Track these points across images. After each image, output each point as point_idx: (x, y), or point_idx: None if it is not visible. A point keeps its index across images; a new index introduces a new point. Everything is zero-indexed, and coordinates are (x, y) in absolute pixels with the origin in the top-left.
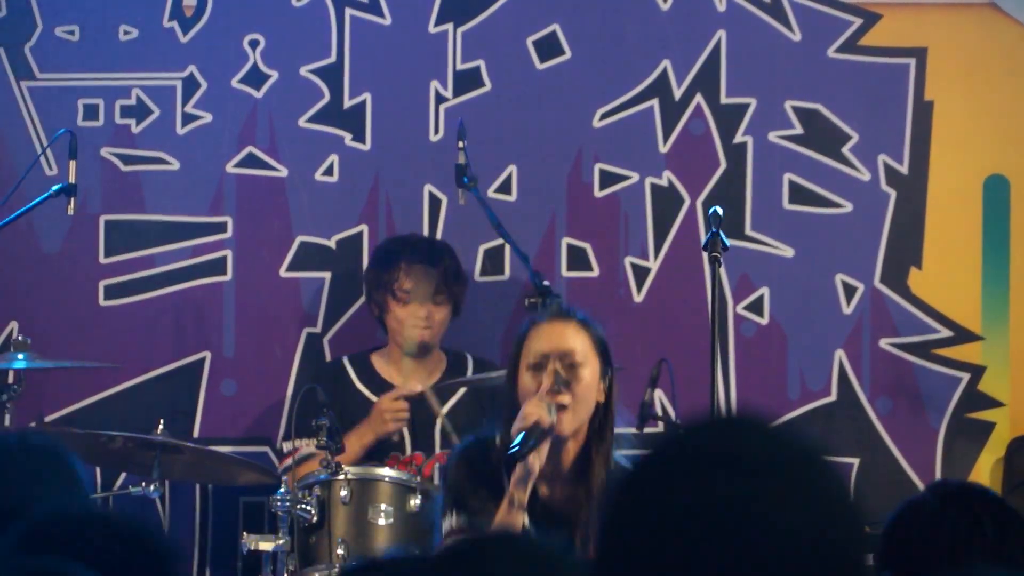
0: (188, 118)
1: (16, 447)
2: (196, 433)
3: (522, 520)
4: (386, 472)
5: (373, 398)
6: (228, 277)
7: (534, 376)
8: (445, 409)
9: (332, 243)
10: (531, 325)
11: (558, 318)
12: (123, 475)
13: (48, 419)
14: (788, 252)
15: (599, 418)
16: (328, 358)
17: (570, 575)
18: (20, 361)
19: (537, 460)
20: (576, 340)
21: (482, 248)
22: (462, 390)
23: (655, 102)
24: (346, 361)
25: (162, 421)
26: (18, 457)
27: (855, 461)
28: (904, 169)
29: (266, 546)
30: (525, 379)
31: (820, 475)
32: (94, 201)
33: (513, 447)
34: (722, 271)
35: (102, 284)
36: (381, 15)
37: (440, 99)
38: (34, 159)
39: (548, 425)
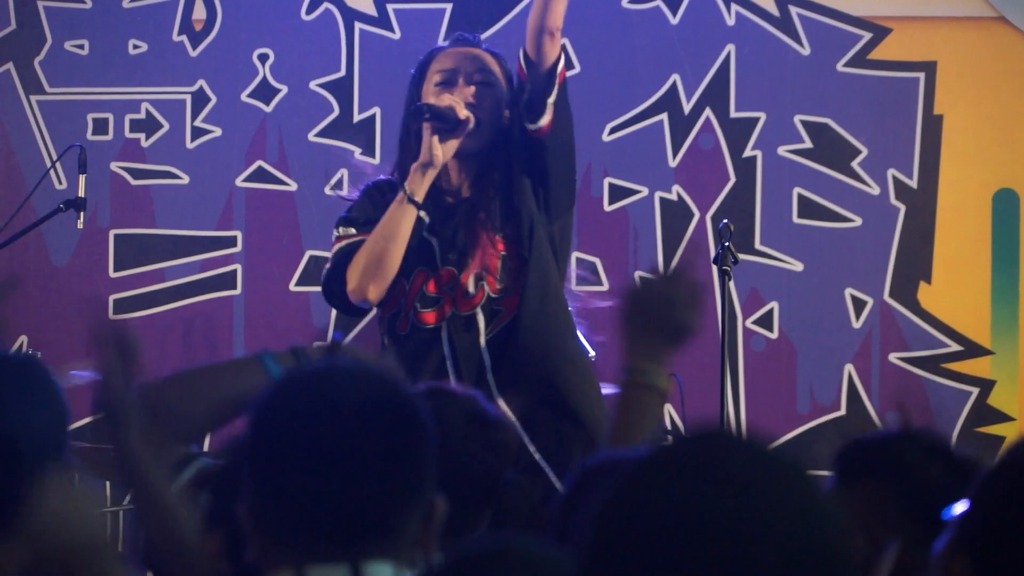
0: (198, 132)
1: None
2: (207, 446)
3: (413, 215)
4: None
5: None
6: (238, 291)
7: (439, 91)
8: None
9: None
10: (434, 51)
11: (463, 43)
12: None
13: None
14: (797, 266)
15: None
16: None
17: None
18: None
19: (441, 152)
20: (486, 60)
21: None
22: None
23: (664, 116)
24: None
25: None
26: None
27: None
28: (913, 183)
29: None
30: (429, 96)
31: (805, 489)
32: (104, 215)
33: (422, 104)
34: (732, 285)
35: (112, 298)
36: (390, 29)
37: None
38: (44, 173)
39: (463, 117)
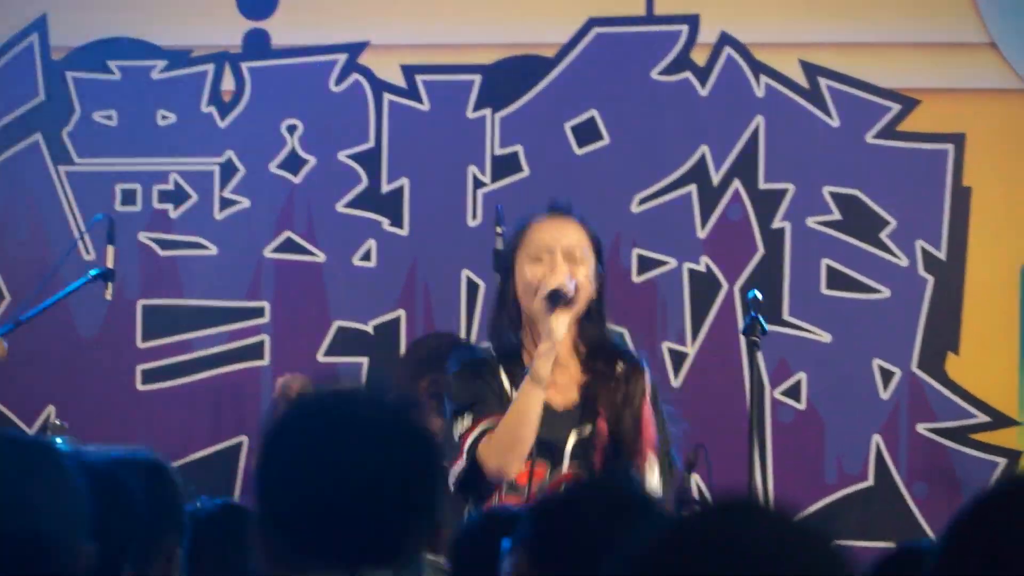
0: (226, 203)
1: (5, 442)
2: None
3: (541, 398)
4: None
5: None
6: (266, 362)
7: (535, 268)
8: None
9: (370, 328)
10: (531, 219)
11: (559, 214)
12: None
13: None
14: (826, 337)
15: (591, 317)
16: None
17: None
18: (57, 446)
19: (562, 328)
20: (577, 235)
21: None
22: None
23: (693, 188)
24: None
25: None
26: (6, 450)
27: (892, 546)
28: (942, 255)
29: None
30: (526, 271)
31: (829, 561)
32: (132, 286)
33: (553, 294)
34: (760, 356)
35: (139, 368)
36: (419, 100)
37: (478, 184)
38: (72, 244)
39: (570, 294)
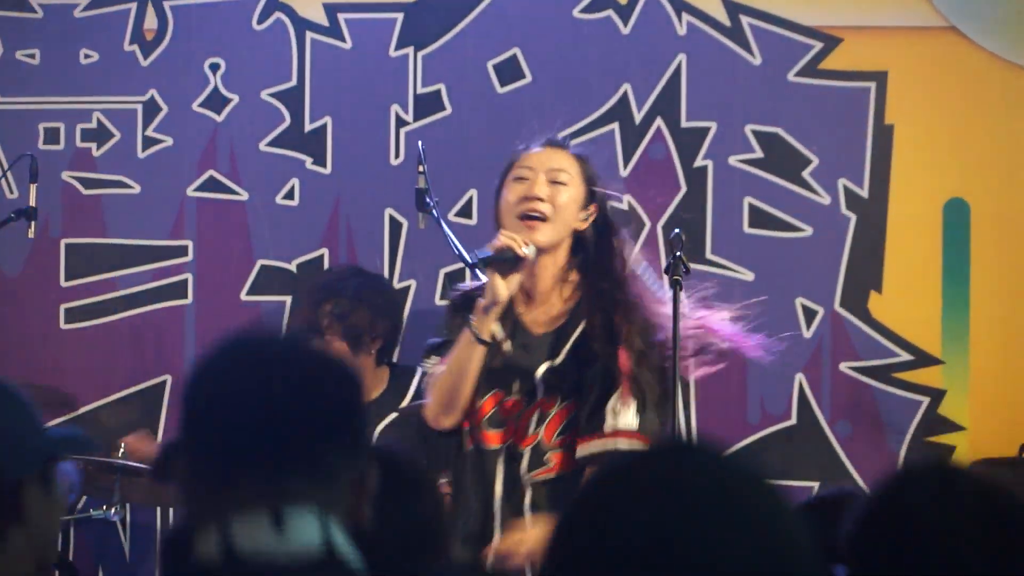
0: (149, 142)
1: None
2: None
3: (480, 354)
4: None
5: None
6: (189, 300)
7: (516, 186)
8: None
9: (293, 267)
10: (523, 150)
11: (551, 144)
12: (84, 498)
13: None
14: (748, 276)
15: (583, 251)
16: None
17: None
18: None
19: (504, 289)
20: (565, 162)
21: (443, 272)
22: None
23: (615, 126)
24: None
25: (123, 444)
26: None
27: (815, 485)
28: (864, 193)
29: None
30: (508, 191)
31: (768, 503)
32: (55, 224)
33: (476, 253)
34: (683, 295)
35: (63, 307)
36: (342, 39)
37: (401, 123)
38: None
39: (520, 255)
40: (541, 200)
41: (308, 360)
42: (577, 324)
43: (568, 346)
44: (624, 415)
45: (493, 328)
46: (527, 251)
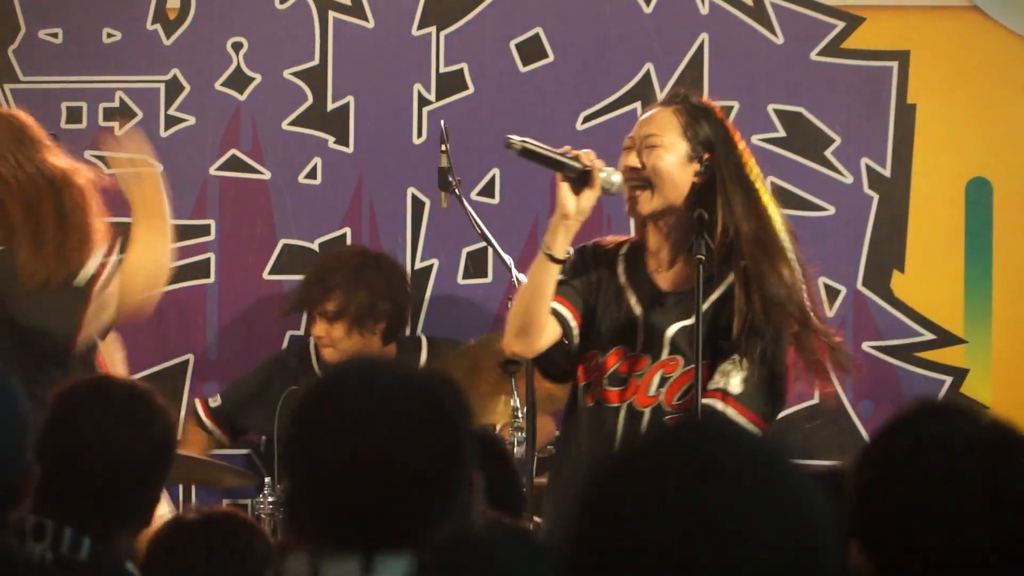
0: (171, 121)
1: None
2: (180, 435)
3: (554, 272)
4: None
5: None
6: (211, 280)
7: (621, 157)
8: None
9: (315, 246)
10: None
11: (658, 104)
12: None
13: None
14: None
15: (701, 204)
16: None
17: None
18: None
19: (572, 203)
20: (663, 122)
21: (465, 251)
22: None
23: (638, 105)
24: (311, 342)
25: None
26: None
27: (837, 464)
28: (887, 172)
29: None
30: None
31: (792, 484)
32: None
33: (510, 137)
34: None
35: None
36: (364, 18)
37: (423, 102)
38: None
39: (585, 167)
40: (637, 169)
41: (413, 404)
42: (719, 284)
43: (707, 306)
44: (732, 380)
45: (566, 246)
46: (603, 175)
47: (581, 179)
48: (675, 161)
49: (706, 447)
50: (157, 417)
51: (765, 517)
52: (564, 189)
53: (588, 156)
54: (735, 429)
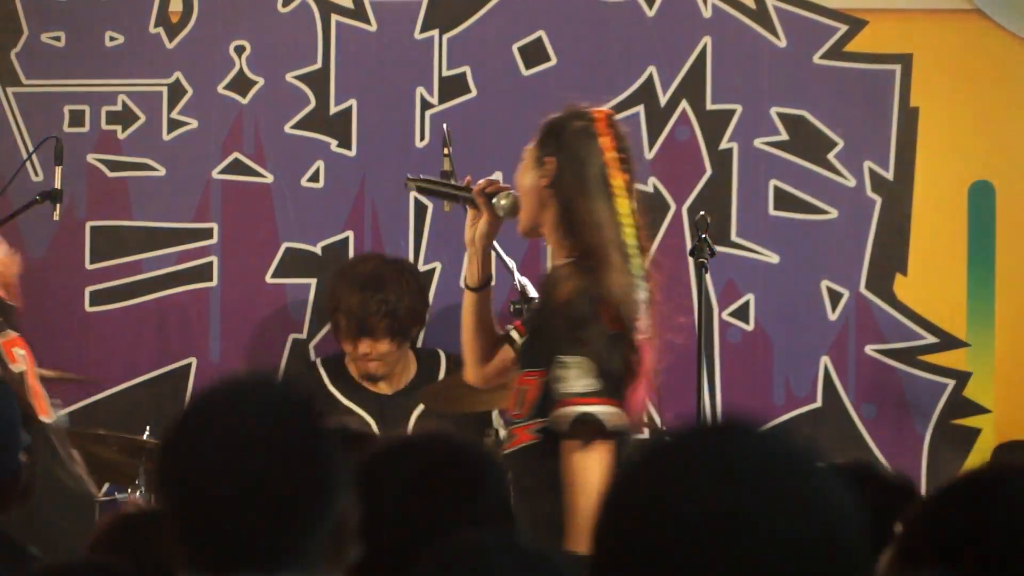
0: (174, 124)
1: None
2: None
3: (470, 301)
4: None
5: (344, 400)
6: (214, 283)
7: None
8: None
9: (318, 249)
10: None
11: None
12: (107, 484)
13: None
14: (773, 258)
15: (559, 212)
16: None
17: None
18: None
19: (468, 229)
20: (532, 147)
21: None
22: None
23: (640, 108)
24: (319, 364)
25: (148, 427)
26: None
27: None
28: (889, 175)
29: None
30: None
31: (817, 482)
32: (80, 207)
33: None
34: (708, 277)
35: (88, 290)
36: (367, 21)
37: (426, 105)
38: (20, 165)
39: (478, 195)
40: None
41: (276, 427)
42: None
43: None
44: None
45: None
46: (495, 200)
47: (474, 206)
48: (526, 171)
49: (730, 447)
50: None
51: (791, 517)
52: (468, 218)
53: (480, 184)
54: (759, 429)
